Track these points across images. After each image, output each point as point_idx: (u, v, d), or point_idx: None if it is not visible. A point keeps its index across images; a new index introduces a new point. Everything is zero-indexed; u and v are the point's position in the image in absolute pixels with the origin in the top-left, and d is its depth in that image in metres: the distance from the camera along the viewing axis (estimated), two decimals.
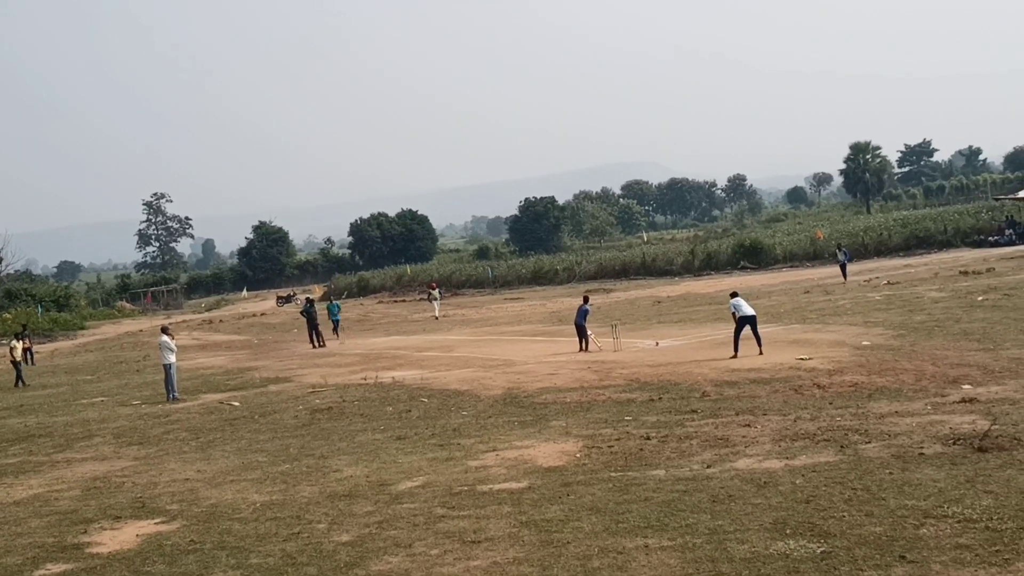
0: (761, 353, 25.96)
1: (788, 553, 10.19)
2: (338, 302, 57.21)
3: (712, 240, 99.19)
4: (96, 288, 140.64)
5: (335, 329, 48.28)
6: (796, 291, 48.14)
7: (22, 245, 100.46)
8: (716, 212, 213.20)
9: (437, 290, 64.65)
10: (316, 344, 44.37)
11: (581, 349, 31.58)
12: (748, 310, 27.25)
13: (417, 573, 10.75)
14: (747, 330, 26.75)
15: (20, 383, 39.21)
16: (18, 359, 40.50)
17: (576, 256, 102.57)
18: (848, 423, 16.45)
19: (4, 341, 53.04)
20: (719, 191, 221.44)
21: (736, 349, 26.54)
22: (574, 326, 32.73)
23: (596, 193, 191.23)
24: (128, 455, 20.73)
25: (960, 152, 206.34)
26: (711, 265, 78.71)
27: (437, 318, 56.41)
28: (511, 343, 36.96)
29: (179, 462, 19.18)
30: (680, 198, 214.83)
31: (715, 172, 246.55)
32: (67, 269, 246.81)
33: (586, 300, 34.25)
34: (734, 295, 28.54)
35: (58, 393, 34.93)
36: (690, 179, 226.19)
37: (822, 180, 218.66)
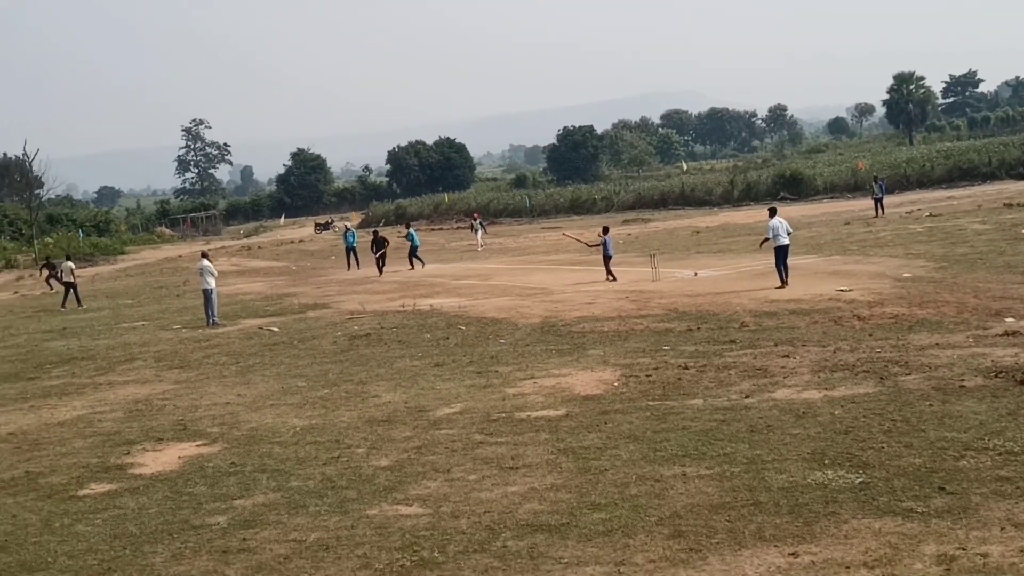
0: (783, 286, 25.85)
1: (826, 483, 10.19)
2: (413, 230, 56.54)
3: (752, 170, 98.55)
4: (136, 213, 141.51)
5: (412, 255, 45.43)
6: (836, 222, 47.81)
7: (63, 170, 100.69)
8: (756, 142, 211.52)
9: (479, 220, 63.39)
10: (380, 267, 42.87)
11: (610, 279, 31.57)
12: (784, 239, 26.85)
13: (455, 498, 10.83)
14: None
15: (76, 303, 39.98)
16: (71, 280, 40.87)
17: (614, 186, 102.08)
18: (888, 355, 16.37)
19: (56, 261, 53.53)
20: (759, 121, 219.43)
21: (782, 278, 26.35)
22: (603, 259, 32.71)
23: (635, 122, 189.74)
24: (169, 378, 20.93)
25: (1007, 83, 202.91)
26: (750, 196, 78.24)
27: (479, 249, 54.80)
28: (549, 272, 36.93)
29: (219, 386, 19.35)
30: (720, 128, 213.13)
31: (756, 102, 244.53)
32: (107, 194, 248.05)
33: (606, 231, 34.06)
34: (773, 213, 28.26)
35: (99, 317, 35.23)
36: (730, 109, 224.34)
37: (864, 111, 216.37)
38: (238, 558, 9.58)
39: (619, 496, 10.36)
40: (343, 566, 9.13)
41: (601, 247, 32.91)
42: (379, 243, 42.84)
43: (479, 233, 58.90)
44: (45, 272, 52.82)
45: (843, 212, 54.46)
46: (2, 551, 10.38)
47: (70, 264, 42.61)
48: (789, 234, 27.26)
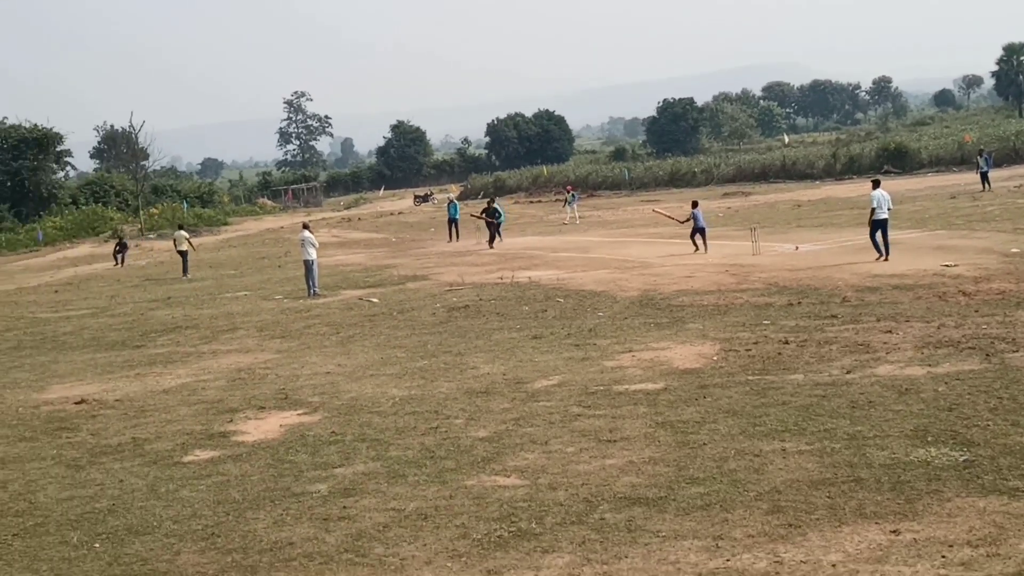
0: (881, 258, 25.87)
1: (929, 460, 10.05)
2: (575, 192, 55.86)
3: (855, 143, 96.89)
4: (238, 185, 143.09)
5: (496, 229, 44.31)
6: (942, 196, 46.93)
7: (168, 141, 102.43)
8: (859, 115, 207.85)
9: (572, 193, 61.83)
10: (493, 240, 42.27)
11: (697, 251, 31.69)
12: (883, 212, 26.60)
13: (553, 469, 10.86)
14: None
15: (183, 272, 40.71)
16: (184, 249, 41.70)
17: (714, 158, 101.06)
18: (994, 331, 16.06)
19: (169, 232, 54.39)
20: (863, 93, 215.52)
21: (880, 251, 26.20)
22: (699, 231, 32.68)
23: (736, 95, 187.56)
24: (271, 348, 21.22)
25: None
26: (853, 169, 76.92)
27: (566, 222, 53.84)
28: (647, 245, 36.77)
29: (320, 356, 19.58)
30: (822, 100, 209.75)
31: (859, 74, 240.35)
32: (210, 166, 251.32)
33: (695, 205, 34.06)
34: (876, 184, 28.00)
35: (203, 286, 35.82)
36: (833, 81, 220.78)
37: (972, 83, 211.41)
38: (338, 526, 9.71)
39: (717, 470, 10.32)
40: (441, 535, 9.20)
41: (691, 221, 32.91)
42: (492, 213, 42.65)
43: (571, 206, 57.38)
44: (115, 247, 53.57)
45: (949, 186, 53.40)
46: (110, 515, 10.63)
47: (184, 233, 43.39)
48: (889, 209, 27.04)
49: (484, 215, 43.02)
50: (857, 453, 10.45)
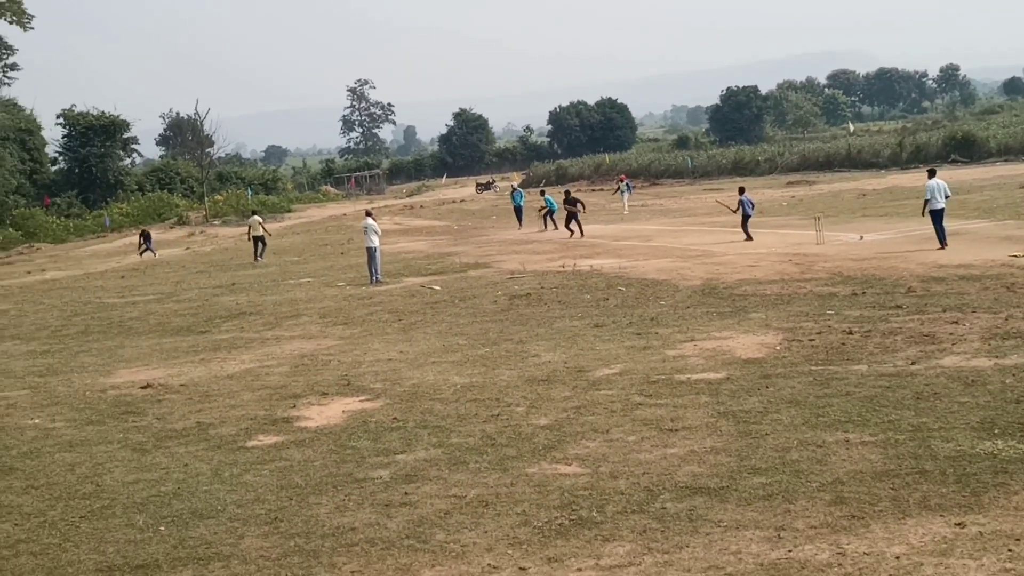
0: (943, 247, 25.90)
1: (996, 453, 9.93)
2: (628, 181, 55.59)
3: (921, 132, 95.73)
4: (302, 172, 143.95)
5: (548, 217, 44.87)
6: (1010, 186, 46.23)
7: (232, 129, 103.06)
8: (926, 103, 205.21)
9: (625, 182, 61.19)
10: (571, 228, 41.22)
11: (750, 239, 31.65)
12: (939, 202, 26.59)
13: (614, 458, 10.85)
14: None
15: (258, 258, 41.22)
16: (259, 235, 42.17)
17: (778, 147, 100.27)
18: None
19: (234, 220, 54.75)
20: (930, 81, 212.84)
21: (940, 240, 26.18)
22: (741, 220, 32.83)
23: (800, 82, 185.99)
24: (333, 334, 21.36)
25: None
26: (919, 158, 76.01)
27: (626, 213, 52.64)
28: (710, 234, 36.57)
29: (382, 342, 19.68)
30: (888, 89, 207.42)
31: (926, 62, 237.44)
32: (274, 153, 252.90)
33: (742, 191, 34.09)
34: (932, 174, 27.94)
35: (267, 273, 36.11)
36: (900, 69, 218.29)
37: None
38: (399, 512, 9.76)
39: (780, 461, 10.26)
40: (502, 523, 9.23)
41: (740, 208, 32.97)
42: (571, 203, 42.31)
43: (625, 195, 56.72)
44: (140, 240, 52.66)
45: (1018, 175, 52.62)
46: (175, 498, 10.76)
47: (258, 218, 44.00)
48: (947, 197, 26.99)
49: (566, 205, 42.42)
50: (922, 445, 10.35)
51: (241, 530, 9.63)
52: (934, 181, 27.07)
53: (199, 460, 12.19)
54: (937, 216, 26.49)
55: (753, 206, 34.25)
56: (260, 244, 42.01)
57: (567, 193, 43.42)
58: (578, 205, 41.47)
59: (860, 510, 8.75)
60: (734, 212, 34.30)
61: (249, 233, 43.40)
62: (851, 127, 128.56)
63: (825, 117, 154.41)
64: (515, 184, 66.32)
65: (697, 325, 18.54)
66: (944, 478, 9.36)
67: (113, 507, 10.66)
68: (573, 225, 40.61)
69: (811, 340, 16.16)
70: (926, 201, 26.89)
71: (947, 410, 11.48)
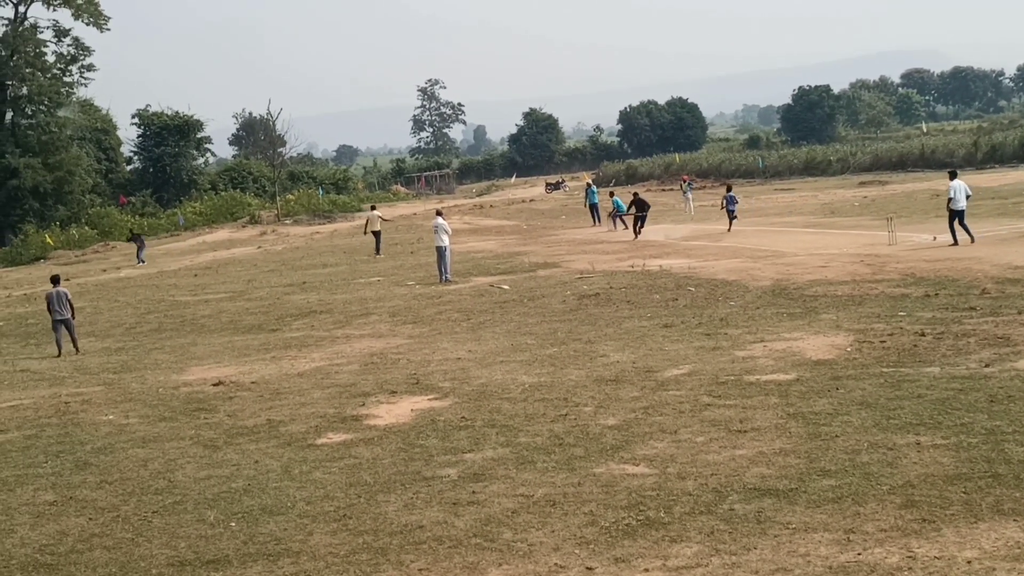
0: (955, 244, 27.55)
1: None
2: (691, 181, 56.13)
3: (997, 132, 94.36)
4: (372, 172, 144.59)
5: (618, 218, 45.12)
6: None
7: (304, 128, 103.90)
8: (1003, 103, 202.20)
9: (688, 182, 58.98)
10: (636, 229, 41.20)
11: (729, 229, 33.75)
12: (960, 203, 28.05)
13: (682, 459, 10.82)
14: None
15: (378, 252, 42.09)
16: (378, 229, 43.08)
17: (851, 147, 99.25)
18: None
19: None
20: (1007, 80, 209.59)
21: (956, 239, 27.82)
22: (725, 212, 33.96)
23: (873, 82, 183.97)
24: (403, 333, 21.48)
25: None
26: (995, 158, 75.00)
27: (690, 214, 50.87)
28: (781, 234, 36.31)
29: (451, 341, 19.76)
30: (963, 88, 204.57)
31: (1002, 60, 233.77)
32: (345, 153, 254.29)
33: (729, 189, 34.90)
34: (953, 175, 29.25)
35: (337, 272, 36.38)
36: (975, 68, 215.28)
37: None
38: (467, 510, 9.80)
39: (850, 463, 10.18)
40: (570, 522, 9.24)
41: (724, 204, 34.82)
42: (639, 205, 42.24)
43: (688, 196, 54.49)
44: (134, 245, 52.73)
45: None
46: (246, 494, 10.88)
47: (377, 213, 45.01)
48: (968, 197, 28.57)
49: (631, 207, 42.50)
50: (995, 448, 10.22)
51: (310, 527, 9.72)
52: (956, 182, 28.40)
53: (269, 457, 12.31)
54: (958, 216, 27.99)
55: (736, 202, 37.91)
56: (377, 238, 42.88)
57: (635, 195, 43.65)
58: (644, 207, 41.78)
59: (931, 514, 8.66)
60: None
61: (367, 227, 44.34)
62: (924, 127, 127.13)
63: (898, 117, 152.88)
64: (590, 181, 65.93)
65: (767, 326, 18.43)
66: (1018, 482, 9.23)
67: (184, 503, 10.80)
68: (638, 226, 41.04)
69: (882, 342, 16.00)
70: (950, 200, 28.26)
71: (1021, 414, 11.32)
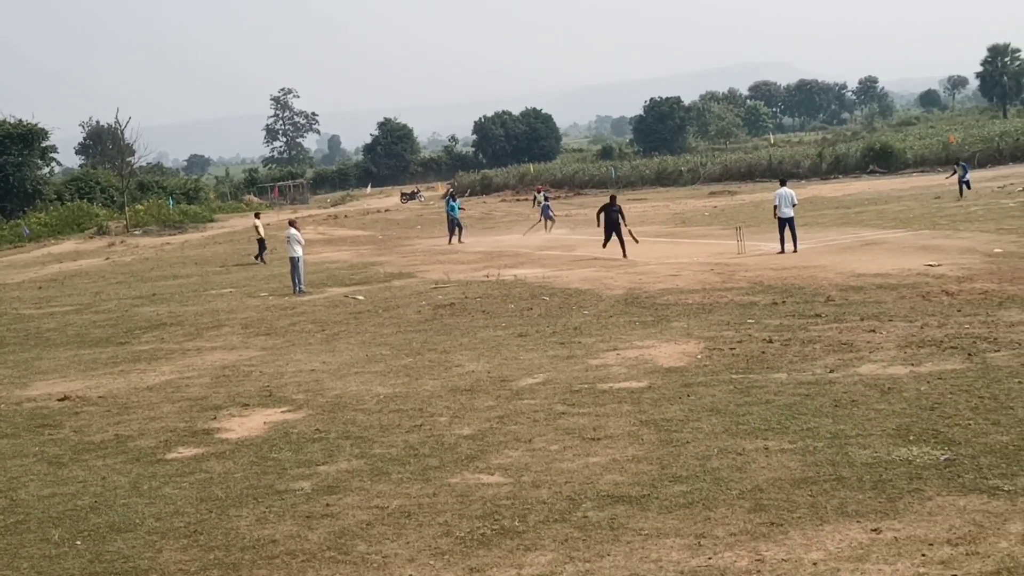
0: (782, 252, 28.91)
1: (911, 459, 10.09)
2: (546, 192, 55.27)
3: (841, 143, 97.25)
4: (224, 182, 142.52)
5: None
6: (926, 196, 47.06)
7: (154, 138, 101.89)
8: (846, 115, 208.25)
9: (542, 193, 53.80)
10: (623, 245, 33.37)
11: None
12: (786, 211, 29.35)
13: (537, 467, 10.87)
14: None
15: (260, 259, 42.32)
16: (263, 236, 43.43)
17: (701, 157, 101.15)
18: (977, 331, 16.12)
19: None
20: (849, 93, 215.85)
21: (784, 247, 29.15)
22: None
23: (722, 94, 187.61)
24: (256, 345, 21.19)
25: None
26: (839, 169, 77.33)
27: (545, 231, 46.28)
28: (633, 244, 36.71)
29: (305, 353, 19.56)
30: (809, 100, 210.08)
31: (846, 74, 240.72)
32: (197, 162, 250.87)
33: (613, 200, 33.96)
34: (782, 183, 31.04)
35: (188, 283, 35.76)
36: (819, 81, 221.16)
37: (957, 83, 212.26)
38: (321, 523, 9.71)
39: (700, 469, 10.35)
40: (424, 533, 9.21)
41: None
42: (613, 211, 40.40)
43: (544, 209, 48.10)
44: None
45: (933, 186, 53.50)
46: (92, 512, 10.61)
47: (258, 222, 45.20)
48: (793, 206, 29.85)
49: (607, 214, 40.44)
50: (839, 452, 10.49)
51: (160, 544, 9.52)
52: (783, 190, 29.84)
53: (117, 473, 12.02)
54: (785, 223, 29.24)
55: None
56: (262, 246, 42.85)
57: (612, 198, 34.81)
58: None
59: (779, 517, 8.85)
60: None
61: (259, 232, 44.11)
62: (772, 138, 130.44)
63: (747, 128, 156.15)
64: (452, 191, 64.84)
65: (620, 334, 18.63)
66: (861, 485, 9.49)
67: (28, 522, 10.49)
68: (621, 238, 33.06)
69: (732, 349, 16.32)
70: (775, 207, 29.69)
71: (864, 417, 11.64)
